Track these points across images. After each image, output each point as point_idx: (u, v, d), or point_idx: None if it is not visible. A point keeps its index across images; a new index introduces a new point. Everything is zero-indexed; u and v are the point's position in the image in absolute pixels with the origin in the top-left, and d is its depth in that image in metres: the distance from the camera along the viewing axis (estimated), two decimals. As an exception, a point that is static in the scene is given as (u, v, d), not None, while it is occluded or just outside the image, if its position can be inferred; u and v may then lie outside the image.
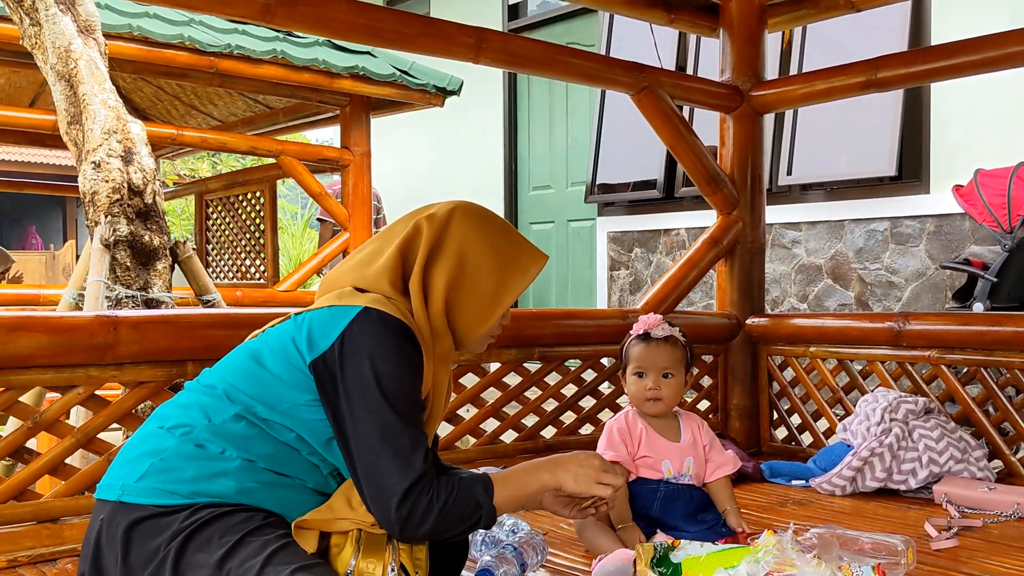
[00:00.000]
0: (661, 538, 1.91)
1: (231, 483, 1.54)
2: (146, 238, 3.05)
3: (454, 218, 1.71)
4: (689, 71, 6.41)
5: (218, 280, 6.73)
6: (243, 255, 6.56)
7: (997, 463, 3.07)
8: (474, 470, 1.82)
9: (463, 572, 1.95)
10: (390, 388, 1.57)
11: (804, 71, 5.60)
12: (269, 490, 1.58)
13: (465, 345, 1.76)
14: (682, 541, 1.88)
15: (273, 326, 1.72)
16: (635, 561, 1.88)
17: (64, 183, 8.88)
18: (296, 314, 1.69)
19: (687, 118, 3.67)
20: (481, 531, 2.11)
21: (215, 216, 6.85)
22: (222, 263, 6.81)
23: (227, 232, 6.71)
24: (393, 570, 1.60)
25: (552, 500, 1.80)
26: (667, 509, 2.30)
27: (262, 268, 6.43)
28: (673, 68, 6.44)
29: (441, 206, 1.74)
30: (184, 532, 1.49)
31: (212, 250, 6.90)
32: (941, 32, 5.29)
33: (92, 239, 3.01)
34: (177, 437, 1.58)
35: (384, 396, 1.56)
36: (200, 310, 3.05)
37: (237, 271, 6.65)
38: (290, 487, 1.61)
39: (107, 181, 2.98)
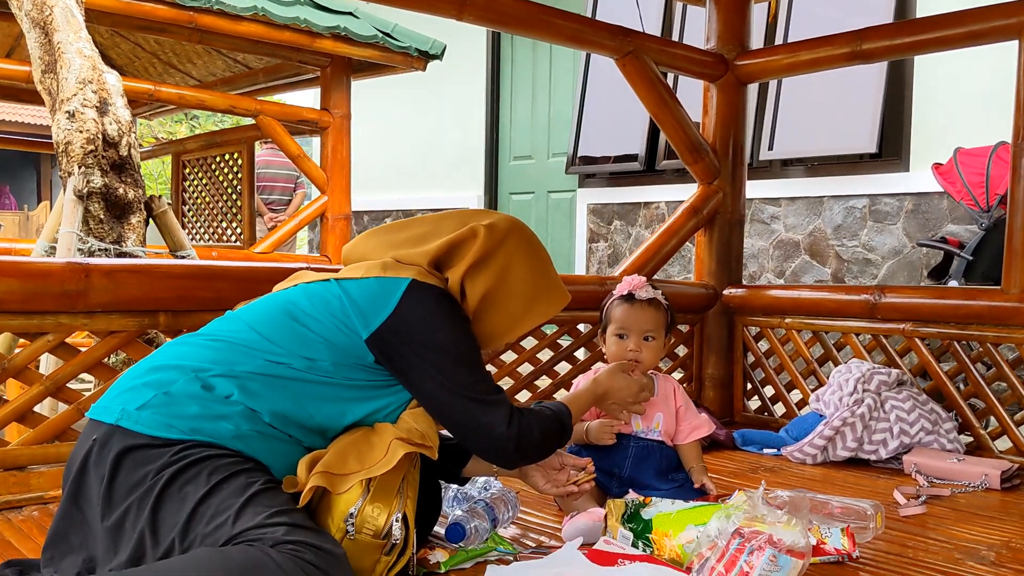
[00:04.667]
0: (633, 496, 1.91)
1: (229, 427, 1.55)
2: (120, 191, 3.00)
3: (510, 237, 1.81)
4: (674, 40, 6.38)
5: (194, 242, 6.66)
6: (219, 217, 6.50)
7: (967, 436, 3.10)
8: None
9: (435, 527, 1.96)
10: (454, 349, 1.70)
11: (789, 45, 5.58)
12: (264, 441, 1.59)
13: None
14: (653, 498, 1.89)
15: (307, 283, 1.75)
16: (606, 517, 1.88)
17: (38, 139, 8.73)
18: (336, 279, 1.74)
19: (671, 87, 3.65)
20: (453, 487, 2.10)
21: (192, 177, 6.77)
22: (198, 225, 6.74)
23: (204, 194, 6.64)
24: (397, 520, 1.60)
25: (534, 472, 1.93)
26: (639, 467, 2.30)
27: (239, 231, 6.37)
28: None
29: (500, 220, 1.83)
30: (174, 465, 1.49)
31: (188, 211, 6.82)
32: (926, 9, 5.29)
33: (65, 190, 2.96)
34: (187, 374, 1.59)
35: (451, 358, 1.69)
36: (174, 260, 3.01)
37: (213, 233, 6.58)
38: (286, 442, 1.63)
39: (81, 131, 2.93)
